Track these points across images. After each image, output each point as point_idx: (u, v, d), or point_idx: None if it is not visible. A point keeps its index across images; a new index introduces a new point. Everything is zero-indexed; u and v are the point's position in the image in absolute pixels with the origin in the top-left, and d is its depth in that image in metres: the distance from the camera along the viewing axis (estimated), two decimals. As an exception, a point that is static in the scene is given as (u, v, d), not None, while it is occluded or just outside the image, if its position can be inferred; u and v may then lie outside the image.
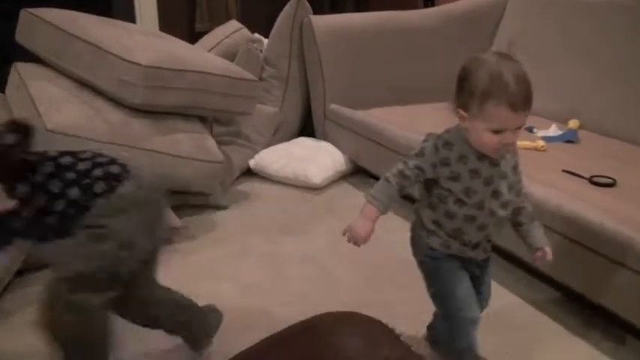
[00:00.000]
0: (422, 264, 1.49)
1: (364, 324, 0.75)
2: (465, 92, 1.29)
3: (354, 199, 2.74)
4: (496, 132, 1.26)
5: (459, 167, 1.34)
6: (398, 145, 2.52)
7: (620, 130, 2.45)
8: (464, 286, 1.43)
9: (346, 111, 2.94)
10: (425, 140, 1.38)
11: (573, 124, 2.58)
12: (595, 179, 1.99)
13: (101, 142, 2.21)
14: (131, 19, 4.20)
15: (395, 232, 2.40)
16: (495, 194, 1.36)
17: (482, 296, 1.51)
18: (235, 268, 2.11)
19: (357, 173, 2.99)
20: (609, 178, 1.99)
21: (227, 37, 3.24)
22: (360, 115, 2.86)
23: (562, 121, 2.62)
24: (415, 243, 1.50)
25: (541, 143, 2.34)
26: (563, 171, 2.08)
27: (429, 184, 1.40)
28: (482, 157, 1.34)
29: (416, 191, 1.51)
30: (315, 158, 2.86)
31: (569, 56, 2.75)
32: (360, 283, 2.03)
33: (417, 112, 2.93)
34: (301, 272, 2.09)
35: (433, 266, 1.46)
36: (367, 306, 1.86)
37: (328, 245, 2.29)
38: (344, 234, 1.42)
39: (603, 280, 1.66)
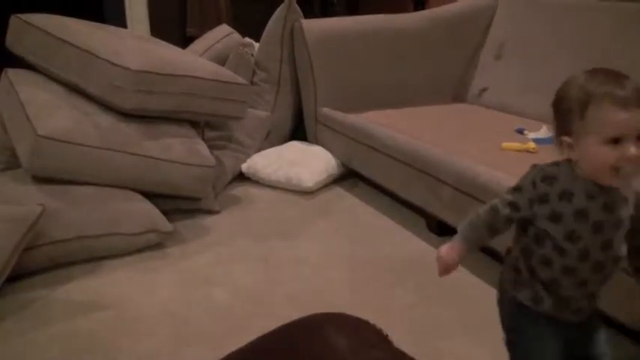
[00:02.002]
0: (508, 332, 1.27)
1: (354, 324, 0.75)
2: (562, 115, 1.13)
3: (346, 202, 2.75)
4: (613, 143, 1.06)
5: (562, 206, 1.12)
6: (389, 149, 2.52)
7: None
8: None
9: (338, 114, 2.94)
10: (525, 175, 1.18)
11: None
12: None
13: (92, 146, 2.21)
14: (122, 23, 4.20)
15: (385, 232, 2.43)
16: (606, 245, 1.14)
17: None
18: (227, 273, 2.11)
19: (349, 176, 3.00)
20: None
21: (218, 41, 3.24)
22: (351, 118, 2.87)
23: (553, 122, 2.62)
24: (501, 299, 1.29)
25: (532, 145, 2.34)
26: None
27: (524, 224, 1.20)
28: (592, 196, 1.12)
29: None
30: (307, 162, 2.86)
31: (558, 57, 2.76)
32: (352, 285, 2.03)
33: (409, 115, 2.94)
34: (294, 275, 2.09)
35: (521, 334, 1.23)
36: (360, 307, 1.88)
37: (320, 248, 2.29)
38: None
39: None
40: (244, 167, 2.93)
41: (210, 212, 2.58)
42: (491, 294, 1.90)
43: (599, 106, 1.06)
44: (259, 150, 3.03)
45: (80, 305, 1.90)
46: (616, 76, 1.09)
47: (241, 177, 2.96)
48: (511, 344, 1.26)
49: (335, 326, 0.72)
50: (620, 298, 1.60)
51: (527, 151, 2.33)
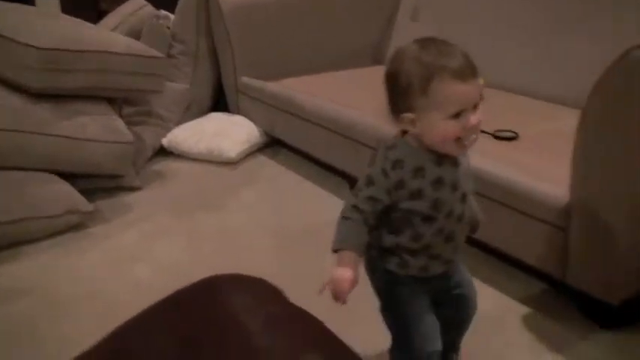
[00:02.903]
0: (378, 292, 1.29)
1: (251, 283, 0.76)
2: (401, 92, 1.10)
3: (270, 170, 2.76)
4: (455, 117, 1.07)
5: (418, 183, 1.13)
6: (310, 114, 2.53)
7: (523, 85, 2.54)
8: (427, 319, 1.24)
9: (258, 83, 2.92)
10: (370, 164, 1.17)
11: (479, 81, 2.64)
12: (498, 134, 2.06)
13: (5, 130, 2.14)
14: (30, 1, 4.03)
15: (310, 197, 2.45)
16: (464, 198, 1.19)
17: (465, 301, 1.34)
18: (152, 249, 2.09)
19: (273, 145, 2.99)
20: (511, 131, 2.06)
21: (131, 14, 3.15)
22: (271, 86, 2.85)
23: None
24: (370, 267, 1.28)
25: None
26: (469, 128, 2.14)
27: (387, 210, 1.17)
28: (440, 160, 1.14)
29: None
30: (229, 132, 2.84)
31: (473, 17, 2.81)
32: (278, 253, 2.05)
33: (329, 79, 2.95)
34: (220, 247, 2.09)
35: (390, 295, 1.26)
36: (285, 275, 1.90)
37: (246, 218, 2.29)
38: (322, 291, 1.16)
39: (508, 229, 1.73)
40: (165, 142, 2.88)
41: (131, 189, 2.54)
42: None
43: (441, 81, 1.06)
44: (180, 123, 2.99)
45: (1, 292, 1.85)
46: (446, 47, 1.10)
47: (163, 152, 2.91)
48: (385, 309, 1.28)
49: (230, 287, 0.73)
50: (534, 245, 1.67)
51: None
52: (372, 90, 2.84)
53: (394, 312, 1.26)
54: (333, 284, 1.15)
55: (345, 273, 1.14)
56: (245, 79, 2.99)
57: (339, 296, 1.15)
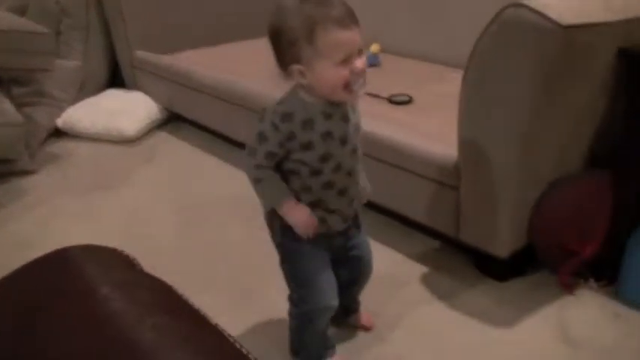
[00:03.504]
0: (278, 247, 1.31)
1: (102, 253, 0.76)
2: (287, 45, 1.11)
3: (171, 146, 2.71)
4: (342, 64, 1.09)
5: (308, 135, 1.15)
6: (208, 87, 2.50)
7: (417, 50, 2.59)
8: (325, 275, 1.28)
9: (153, 57, 2.85)
10: (260, 120, 1.17)
11: (375, 48, 2.67)
12: (393, 98, 2.09)
13: None
14: None
15: (212, 171, 2.43)
16: (354, 152, 1.22)
17: (360, 262, 1.39)
18: (49, 233, 2.02)
19: (173, 120, 2.94)
20: (406, 95, 2.10)
21: (14, -11, 3.00)
22: (167, 59, 2.79)
23: (364, 46, 2.70)
24: (269, 222, 1.31)
25: (345, 69, 2.41)
26: (365, 93, 2.16)
27: (280, 161, 1.19)
28: (329, 114, 1.16)
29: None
30: (127, 109, 2.77)
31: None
32: (180, 228, 2.02)
33: (226, 51, 2.91)
34: (119, 226, 2.04)
35: (289, 249, 1.28)
36: (188, 249, 1.89)
37: (147, 195, 2.25)
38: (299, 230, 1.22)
39: (403, 190, 1.77)
40: (60, 122, 2.78)
41: (26, 173, 2.44)
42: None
43: (325, 31, 1.07)
44: (75, 102, 2.88)
45: None
46: None
47: (58, 133, 2.81)
48: (284, 262, 1.32)
49: (79, 257, 0.72)
50: (431, 207, 1.72)
51: (341, 76, 2.39)
52: (267, 60, 2.82)
53: (293, 266, 1.30)
54: (300, 222, 1.21)
55: (302, 208, 1.20)
56: (140, 54, 2.91)
57: (310, 228, 1.21)
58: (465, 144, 1.54)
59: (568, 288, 1.59)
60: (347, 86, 1.11)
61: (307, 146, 1.16)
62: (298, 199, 1.21)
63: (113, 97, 2.92)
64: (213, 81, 2.48)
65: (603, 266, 1.59)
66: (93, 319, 0.59)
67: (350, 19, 1.09)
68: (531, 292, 1.61)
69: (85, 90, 2.97)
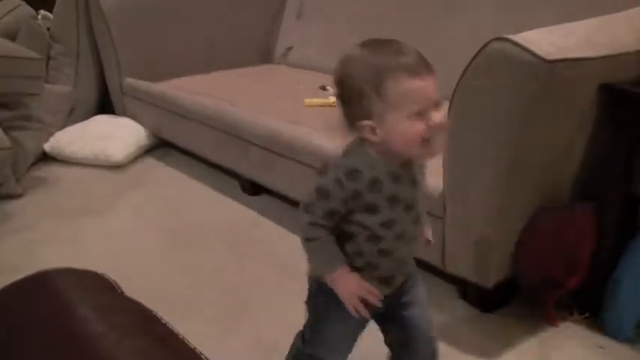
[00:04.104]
0: (308, 303, 1.20)
1: (82, 276, 0.76)
2: (355, 98, 1.00)
3: (159, 172, 2.72)
4: (417, 117, 0.98)
5: (374, 197, 1.04)
6: (197, 114, 2.51)
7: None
8: (351, 343, 1.18)
9: (142, 84, 2.87)
10: (321, 174, 1.05)
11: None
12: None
13: None
14: None
15: (198, 197, 2.44)
16: (416, 220, 1.11)
17: (415, 330, 1.22)
18: (35, 258, 2.01)
19: (162, 146, 2.95)
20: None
21: (6, 14, 3.02)
22: (157, 87, 2.81)
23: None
24: (310, 296, 1.20)
25: (332, 100, 2.42)
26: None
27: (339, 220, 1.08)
28: (397, 177, 1.05)
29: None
30: (115, 135, 2.78)
31: (357, 15, 2.85)
32: (165, 254, 2.02)
33: (217, 79, 2.93)
34: (105, 251, 2.04)
35: (324, 307, 1.15)
36: (172, 275, 1.89)
37: (134, 221, 2.25)
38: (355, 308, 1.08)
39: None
40: (48, 147, 2.78)
41: (12, 197, 2.43)
42: (296, 243, 2.00)
43: (396, 80, 0.98)
44: (63, 127, 2.89)
45: None
46: (393, 44, 1.03)
47: (46, 157, 2.81)
48: (311, 311, 1.20)
49: (60, 280, 0.73)
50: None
51: (329, 105, 2.41)
52: (258, 88, 2.87)
53: (319, 323, 1.19)
54: (359, 295, 1.08)
55: (347, 283, 1.08)
56: (130, 80, 2.93)
57: (372, 300, 1.09)
58: (450, 176, 1.56)
59: (552, 320, 1.59)
60: (424, 142, 1.00)
61: (372, 209, 1.05)
62: (350, 265, 1.09)
63: (102, 122, 2.93)
64: (202, 108, 2.50)
65: (587, 298, 1.59)
66: (70, 340, 0.59)
67: (423, 67, 1.00)
68: (515, 324, 1.61)
69: (74, 115, 2.98)
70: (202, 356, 0.63)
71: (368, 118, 1.00)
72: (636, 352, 1.49)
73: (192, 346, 0.65)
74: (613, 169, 1.52)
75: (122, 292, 0.77)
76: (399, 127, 0.99)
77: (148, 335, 0.62)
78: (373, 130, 1.00)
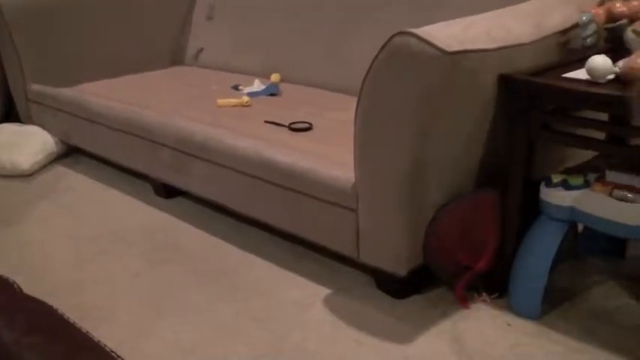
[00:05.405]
0: None
1: None
2: None
3: (69, 180, 2.64)
4: None
5: None
6: (106, 119, 2.46)
7: (317, 79, 2.64)
8: None
9: (48, 90, 2.78)
10: None
11: (275, 77, 2.72)
12: (293, 125, 2.13)
13: None
14: None
15: (111, 203, 2.39)
16: None
17: None
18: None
19: (71, 153, 2.87)
20: (306, 123, 2.15)
21: None
22: (64, 92, 2.73)
23: (265, 76, 2.75)
24: None
25: (246, 99, 2.43)
26: (266, 122, 2.20)
27: None
28: None
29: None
30: (21, 144, 2.68)
31: (268, 16, 2.87)
32: (79, 262, 1.97)
33: (127, 82, 2.88)
34: (17, 262, 1.97)
35: None
36: (85, 282, 1.84)
37: (44, 231, 2.18)
38: None
39: (307, 216, 1.80)
40: (-51, 158, 2.66)
41: None
42: (212, 245, 2.00)
43: None
44: (-36, 138, 2.77)
45: None
46: None
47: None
48: None
49: None
50: (332, 230, 1.75)
51: (242, 105, 2.42)
52: (170, 91, 2.84)
53: None
54: None
55: None
56: (35, 87, 2.83)
57: None
58: (361, 168, 1.59)
59: (463, 302, 1.65)
60: None
61: None
62: None
63: (7, 131, 2.82)
64: (111, 112, 2.45)
65: (495, 280, 1.67)
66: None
67: None
68: (428, 308, 1.66)
69: (-24, 125, 2.86)
70: (107, 349, 0.63)
71: None
72: (541, 326, 1.58)
73: (96, 340, 0.65)
74: (514, 156, 1.59)
75: (22, 292, 0.75)
76: None
77: (49, 333, 0.62)
78: None
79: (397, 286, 1.71)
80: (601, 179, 1.52)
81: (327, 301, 1.73)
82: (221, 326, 1.62)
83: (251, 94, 2.52)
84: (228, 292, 1.77)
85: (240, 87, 2.63)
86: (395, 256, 1.61)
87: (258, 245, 2.02)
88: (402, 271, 1.63)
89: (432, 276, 1.70)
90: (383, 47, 1.44)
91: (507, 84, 1.57)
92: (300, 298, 1.75)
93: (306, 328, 1.61)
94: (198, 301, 1.73)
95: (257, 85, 2.62)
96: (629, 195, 1.42)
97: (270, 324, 1.59)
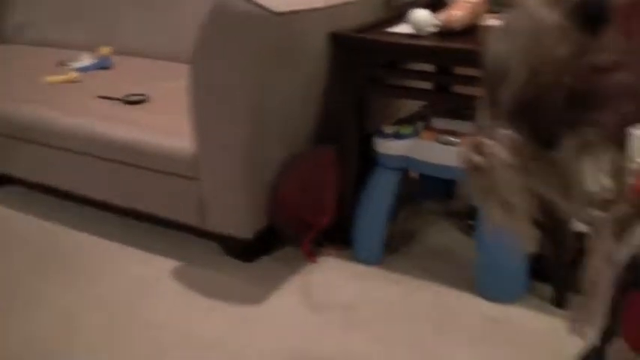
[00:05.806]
0: None
1: None
2: None
3: None
4: None
5: None
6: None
7: (148, 49, 2.57)
8: None
9: None
10: None
11: (105, 50, 2.60)
12: (127, 98, 2.06)
13: None
14: None
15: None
16: None
17: None
18: None
19: None
20: (140, 95, 2.08)
21: None
22: None
23: (93, 49, 2.62)
24: None
25: (74, 75, 2.32)
26: (99, 97, 2.11)
27: None
28: None
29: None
30: None
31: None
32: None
33: None
34: None
35: None
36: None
37: None
38: None
39: (148, 190, 1.76)
40: None
41: None
42: (50, 231, 1.89)
43: None
44: None
45: None
46: None
47: None
48: None
49: None
50: (172, 200, 1.73)
51: (71, 81, 2.30)
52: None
53: None
54: None
55: None
56: None
57: None
58: (198, 135, 1.58)
59: (311, 257, 1.70)
60: None
61: None
62: None
63: None
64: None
65: (339, 232, 1.72)
66: None
67: None
68: (278, 268, 1.70)
69: None
70: None
71: None
72: (384, 270, 1.67)
73: None
74: (346, 111, 1.64)
75: None
76: None
77: None
78: None
79: (245, 250, 1.73)
80: (428, 127, 1.61)
81: (175, 273, 1.71)
82: (66, 313, 1.56)
83: (80, 69, 2.40)
84: (71, 278, 1.70)
85: (68, 62, 2.50)
86: (240, 220, 1.62)
87: (98, 226, 1.95)
88: (248, 234, 1.64)
89: (278, 236, 1.73)
90: (209, 11, 1.43)
91: (337, 41, 1.62)
92: (147, 273, 1.71)
93: (155, 302, 1.59)
94: (47, 286, 1.65)
95: (86, 60, 2.50)
96: (452, 139, 1.52)
97: (116, 303, 1.55)
